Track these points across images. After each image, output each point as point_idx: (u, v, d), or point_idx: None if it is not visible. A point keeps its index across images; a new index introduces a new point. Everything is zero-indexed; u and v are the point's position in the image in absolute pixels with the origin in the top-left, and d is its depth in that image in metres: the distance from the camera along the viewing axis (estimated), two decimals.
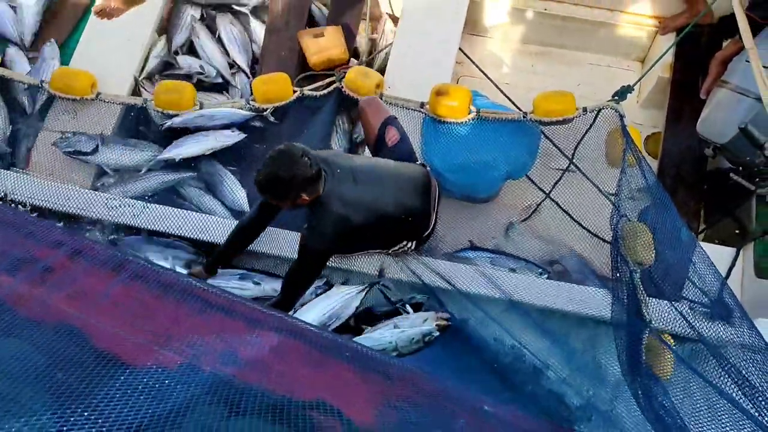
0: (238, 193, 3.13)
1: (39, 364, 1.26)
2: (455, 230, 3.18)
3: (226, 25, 3.81)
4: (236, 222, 2.72)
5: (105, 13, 3.64)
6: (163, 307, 1.66)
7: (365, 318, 2.66)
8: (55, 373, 1.26)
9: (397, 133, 2.77)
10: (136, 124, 3.28)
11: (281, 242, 2.79)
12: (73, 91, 3.24)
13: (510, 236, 3.19)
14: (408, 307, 2.64)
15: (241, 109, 3.20)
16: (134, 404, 1.27)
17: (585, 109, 3.06)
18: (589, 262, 3.09)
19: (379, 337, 2.48)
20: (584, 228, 3.12)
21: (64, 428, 1.10)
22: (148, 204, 2.87)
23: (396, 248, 2.64)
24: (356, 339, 2.49)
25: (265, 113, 3.18)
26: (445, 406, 1.66)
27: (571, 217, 3.14)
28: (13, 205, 2.81)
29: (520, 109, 3.15)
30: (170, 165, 3.15)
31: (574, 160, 3.14)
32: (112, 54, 3.54)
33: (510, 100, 3.35)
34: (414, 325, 2.52)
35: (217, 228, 2.83)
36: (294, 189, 2.22)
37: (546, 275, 2.96)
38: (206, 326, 1.66)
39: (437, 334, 2.44)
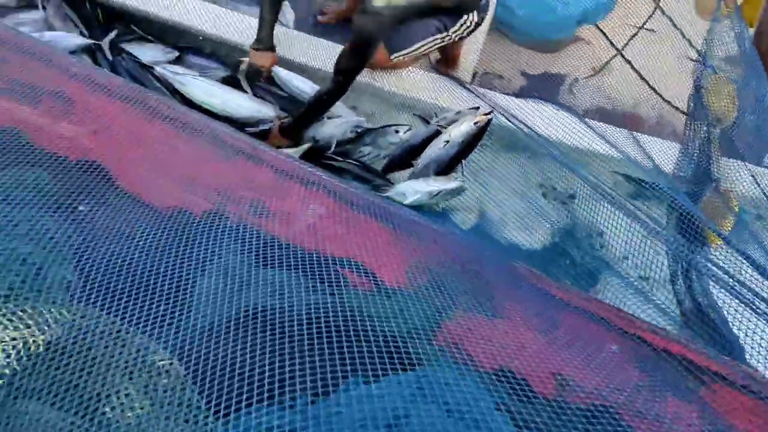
0: None
1: (59, 196, 1.31)
2: (517, 78, 3.17)
3: None
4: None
5: None
6: (189, 149, 1.68)
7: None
8: (76, 205, 1.31)
9: None
10: None
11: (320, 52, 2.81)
12: None
13: (573, 92, 3.16)
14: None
15: None
16: (159, 243, 1.32)
17: None
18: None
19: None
20: (657, 93, 3.03)
21: (83, 258, 1.16)
22: None
23: (457, 29, 2.60)
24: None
25: None
26: (480, 274, 1.68)
27: (643, 79, 3.05)
28: None
29: None
30: None
31: (656, 12, 3.00)
32: None
33: None
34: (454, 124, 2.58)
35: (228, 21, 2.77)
36: None
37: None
38: (233, 174, 1.67)
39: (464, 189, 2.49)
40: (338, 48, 2.63)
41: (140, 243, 1.32)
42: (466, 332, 1.43)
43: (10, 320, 1.00)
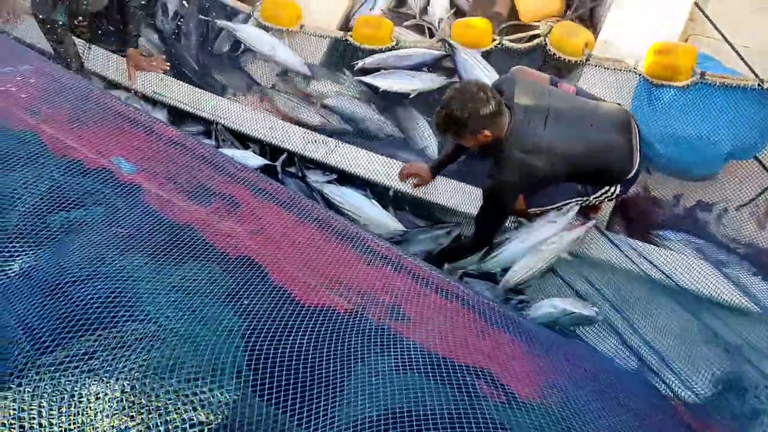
0: (430, 140, 3.30)
1: (229, 287, 1.45)
2: (657, 207, 3.05)
3: None
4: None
5: None
6: (336, 253, 1.81)
7: None
8: (241, 297, 1.44)
9: (571, 86, 2.71)
10: (342, 59, 3.55)
11: (460, 195, 2.93)
12: (279, 21, 3.57)
13: (722, 223, 3.00)
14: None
15: (436, 49, 3.37)
16: (311, 338, 1.42)
17: None
18: None
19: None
20: None
21: (255, 352, 1.27)
22: (341, 143, 3.12)
23: (598, 195, 2.61)
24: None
25: (452, 54, 3.32)
26: (611, 394, 1.65)
27: None
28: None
29: (758, 77, 2.91)
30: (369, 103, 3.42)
31: None
32: None
33: (747, 65, 3.08)
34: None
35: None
36: (471, 125, 2.28)
37: (760, 277, 2.73)
38: (374, 277, 1.78)
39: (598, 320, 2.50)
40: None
41: (295, 336, 1.42)
42: None
43: (192, 401, 1.10)
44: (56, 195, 1.55)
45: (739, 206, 2.94)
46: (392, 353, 1.55)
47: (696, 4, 3.34)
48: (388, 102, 3.39)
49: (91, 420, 1.03)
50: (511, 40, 3.26)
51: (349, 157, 3.09)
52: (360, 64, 3.42)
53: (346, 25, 3.82)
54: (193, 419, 1.10)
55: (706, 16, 3.34)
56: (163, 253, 1.48)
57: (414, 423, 1.34)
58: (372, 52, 3.42)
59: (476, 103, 2.26)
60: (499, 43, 3.25)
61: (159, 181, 1.85)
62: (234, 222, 1.80)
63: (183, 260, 1.49)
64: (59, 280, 1.26)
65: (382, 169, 3.04)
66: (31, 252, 1.34)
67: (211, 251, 1.61)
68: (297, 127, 3.26)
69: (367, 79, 3.37)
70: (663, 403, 1.68)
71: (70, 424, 1.02)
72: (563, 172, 2.43)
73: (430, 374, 1.53)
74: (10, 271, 1.28)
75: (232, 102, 3.43)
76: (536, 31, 3.24)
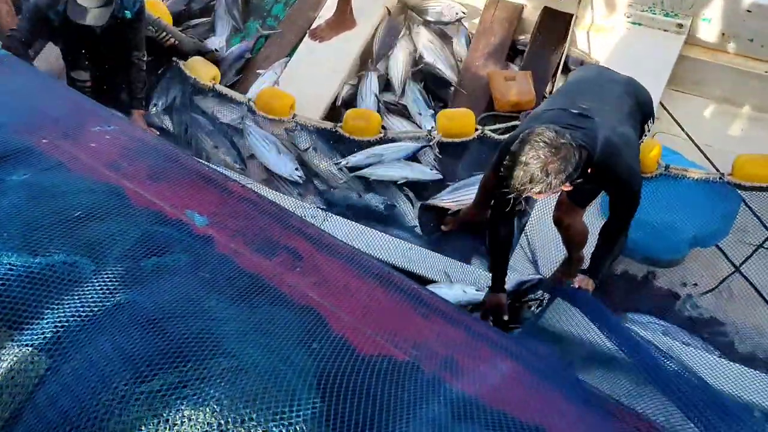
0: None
1: (299, 332, 1.58)
2: (628, 292, 3.18)
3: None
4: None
5: (317, 36, 4.24)
6: (392, 305, 1.93)
7: None
8: (311, 343, 1.57)
9: None
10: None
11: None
12: (273, 111, 3.78)
13: (687, 309, 3.12)
14: None
15: (421, 139, 3.61)
16: (371, 384, 1.53)
17: None
18: None
19: None
20: None
21: (321, 387, 1.39)
22: (330, 215, 3.29)
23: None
24: None
25: (432, 147, 3.60)
26: None
27: (764, 299, 3.01)
28: None
29: (719, 171, 3.11)
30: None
31: None
32: (315, 77, 4.09)
33: (708, 160, 3.31)
34: None
35: (390, 248, 3.16)
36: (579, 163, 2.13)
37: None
38: (429, 330, 1.89)
39: None
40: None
41: (357, 382, 1.53)
42: None
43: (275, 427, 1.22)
44: (145, 241, 1.73)
45: (702, 293, 3.09)
46: (446, 403, 1.64)
47: (661, 103, 3.68)
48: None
49: None
50: (492, 130, 3.53)
51: (337, 228, 3.19)
52: (342, 162, 3.63)
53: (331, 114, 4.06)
54: None
55: (673, 117, 3.64)
56: (241, 297, 1.62)
57: None
58: (361, 142, 3.65)
59: (566, 140, 2.06)
60: (482, 133, 3.50)
61: (230, 232, 2.02)
62: (298, 273, 1.95)
63: (259, 305, 1.63)
64: (155, 316, 1.41)
65: (368, 240, 3.17)
66: (128, 290, 1.50)
67: (281, 298, 1.75)
68: (289, 197, 3.41)
69: (357, 172, 3.62)
70: None
71: None
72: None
73: (483, 425, 1.61)
74: (109, 305, 1.44)
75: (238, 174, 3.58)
76: (515, 123, 3.51)
